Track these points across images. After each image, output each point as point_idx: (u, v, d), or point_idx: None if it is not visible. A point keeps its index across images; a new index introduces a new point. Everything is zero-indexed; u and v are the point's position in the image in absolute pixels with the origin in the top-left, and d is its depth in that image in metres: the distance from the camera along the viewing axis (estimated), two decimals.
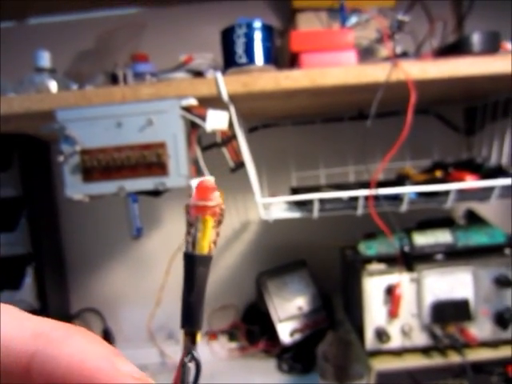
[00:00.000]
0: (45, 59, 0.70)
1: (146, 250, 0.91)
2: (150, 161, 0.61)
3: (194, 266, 0.13)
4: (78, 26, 0.89)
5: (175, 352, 0.82)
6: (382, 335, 0.61)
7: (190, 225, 0.13)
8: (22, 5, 0.85)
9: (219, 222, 0.14)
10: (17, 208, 0.81)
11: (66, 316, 0.90)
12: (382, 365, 0.61)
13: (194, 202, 0.13)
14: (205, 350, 0.83)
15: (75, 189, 0.63)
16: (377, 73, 0.58)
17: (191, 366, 0.13)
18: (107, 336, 0.87)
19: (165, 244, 0.87)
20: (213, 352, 0.82)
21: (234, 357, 0.80)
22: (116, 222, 0.85)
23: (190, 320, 0.13)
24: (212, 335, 0.86)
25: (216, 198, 0.14)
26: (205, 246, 0.13)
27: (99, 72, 0.75)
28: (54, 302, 0.85)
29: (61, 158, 0.62)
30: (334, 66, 0.59)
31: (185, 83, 0.61)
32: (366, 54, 0.67)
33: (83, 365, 0.13)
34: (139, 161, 0.61)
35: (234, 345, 0.83)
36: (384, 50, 0.67)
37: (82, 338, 0.14)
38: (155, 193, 0.65)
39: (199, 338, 0.13)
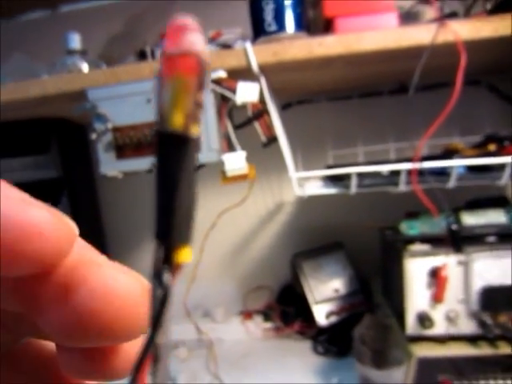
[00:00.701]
0: (75, 41, 0.70)
1: None
2: None
3: (161, 147, 0.08)
4: (109, 9, 0.89)
5: (212, 329, 0.82)
6: (424, 320, 0.57)
7: (159, 88, 0.08)
8: None
9: (199, 84, 0.08)
10: (58, 188, 0.84)
11: None
12: (423, 351, 0.57)
13: (162, 53, 0.08)
14: (239, 328, 0.83)
15: (109, 166, 0.63)
16: (420, 35, 0.53)
17: (159, 292, 0.09)
18: None
19: (199, 221, 0.86)
20: (247, 331, 0.82)
21: (269, 337, 0.79)
22: (152, 199, 0.86)
23: (162, 228, 0.09)
24: (247, 315, 0.85)
25: (192, 44, 0.08)
26: (176, 120, 0.08)
27: (130, 53, 0.75)
28: None
29: (93, 136, 0.62)
30: (372, 30, 0.54)
31: (213, 56, 0.58)
32: (409, 17, 0.62)
33: None
34: None
35: (268, 325, 0.82)
36: (429, 12, 0.61)
37: None
38: None
39: (180, 256, 0.09)
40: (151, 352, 0.09)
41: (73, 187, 0.85)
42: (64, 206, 0.83)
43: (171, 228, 0.08)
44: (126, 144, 0.62)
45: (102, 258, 0.12)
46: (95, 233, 0.93)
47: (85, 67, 0.70)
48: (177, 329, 0.82)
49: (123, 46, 0.86)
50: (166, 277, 0.09)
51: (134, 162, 0.61)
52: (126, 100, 0.61)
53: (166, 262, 0.09)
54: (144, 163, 0.62)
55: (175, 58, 0.08)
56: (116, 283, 0.10)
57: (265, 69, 0.57)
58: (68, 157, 0.84)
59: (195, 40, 0.08)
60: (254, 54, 0.55)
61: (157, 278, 0.09)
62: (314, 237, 0.85)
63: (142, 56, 0.67)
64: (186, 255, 0.09)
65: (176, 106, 0.08)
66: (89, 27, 0.83)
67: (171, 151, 0.08)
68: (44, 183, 0.83)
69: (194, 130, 0.08)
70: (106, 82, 0.62)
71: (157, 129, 0.08)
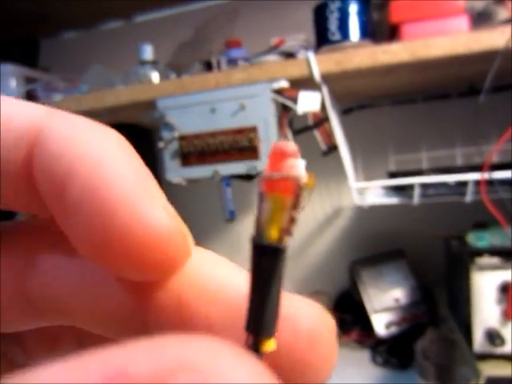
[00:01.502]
0: (147, 52, 0.75)
1: (240, 233, 0.93)
2: (242, 145, 0.62)
3: (257, 256, 0.09)
4: (178, 18, 0.94)
5: None
6: (494, 338, 0.55)
7: (259, 203, 0.09)
8: (130, 4, 0.93)
9: (295, 204, 0.09)
10: None
11: None
12: (493, 370, 0.55)
13: (263, 174, 0.09)
14: None
15: (175, 173, 0.67)
16: (493, 38, 0.50)
17: None
18: None
19: None
20: None
21: None
22: (213, 205, 0.89)
23: (253, 323, 0.10)
24: None
25: (292, 169, 0.09)
26: (272, 233, 0.09)
27: (196, 61, 0.78)
28: None
29: (161, 144, 0.66)
30: (441, 35, 0.52)
31: (275, 66, 0.60)
32: (480, 19, 0.59)
33: (99, 175, 0.08)
34: (232, 145, 0.62)
35: None
36: (504, 12, 0.57)
37: (109, 139, 0.09)
38: (248, 177, 0.66)
39: (266, 346, 0.10)
40: None
41: None
42: None
43: (261, 325, 0.10)
44: (191, 152, 0.65)
45: None
46: None
47: (155, 77, 0.74)
48: None
49: (190, 54, 0.90)
50: None
51: (198, 169, 0.64)
52: (191, 109, 0.64)
53: (254, 350, 0.10)
54: (206, 171, 0.64)
55: (276, 181, 0.09)
56: (306, 318, 0.10)
57: (327, 78, 0.57)
58: None
59: (295, 165, 0.09)
60: (317, 64, 0.56)
61: None
62: (374, 244, 0.83)
63: (207, 66, 0.70)
64: (270, 345, 0.10)
65: (273, 222, 0.09)
66: (159, 36, 0.89)
67: (266, 261, 0.09)
68: None
69: (286, 242, 0.09)
70: (173, 92, 0.65)
71: (254, 240, 0.09)
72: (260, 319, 0.10)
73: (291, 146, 0.09)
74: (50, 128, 0.09)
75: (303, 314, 0.10)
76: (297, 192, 0.09)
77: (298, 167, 0.09)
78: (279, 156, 0.09)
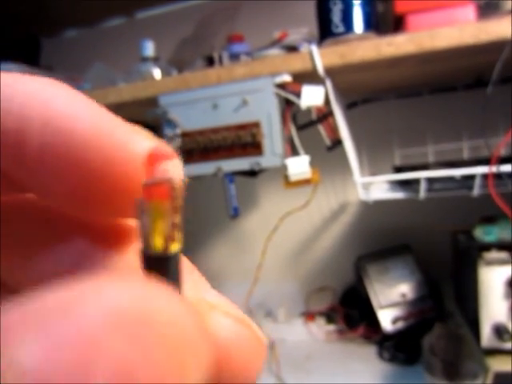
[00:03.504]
0: (149, 49, 0.74)
1: (244, 230, 0.93)
2: (245, 141, 0.61)
3: (147, 267, 0.09)
4: (180, 14, 0.93)
5: (274, 329, 0.84)
6: (502, 333, 0.54)
7: (140, 214, 0.09)
8: (131, 1, 0.92)
9: (175, 208, 0.09)
10: None
11: None
12: (501, 365, 0.54)
13: (142, 183, 0.09)
14: (302, 330, 0.83)
15: None
16: (501, 28, 0.49)
17: None
18: None
19: (262, 224, 0.88)
20: (310, 333, 0.82)
21: (332, 339, 0.78)
22: (217, 202, 0.89)
23: None
24: (309, 316, 0.85)
25: (164, 172, 0.09)
26: (157, 242, 0.09)
27: (198, 57, 0.78)
28: None
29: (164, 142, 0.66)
30: (447, 25, 0.51)
31: (278, 60, 0.59)
32: (488, 8, 0.57)
33: (57, 114, 0.08)
34: (235, 141, 0.62)
35: (331, 327, 0.81)
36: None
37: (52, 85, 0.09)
38: (251, 173, 0.65)
39: None
40: None
41: None
42: None
43: None
44: (193, 149, 0.64)
45: (212, 296, 0.11)
46: None
47: (157, 73, 0.73)
48: None
49: (192, 50, 0.89)
50: None
51: (200, 166, 0.64)
52: (194, 105, 0.64)
53: None
54: (209, 167, 0.64)
55: (150, 187, 0.09)
56: (231, 337, 0.09)
57: (331, 71, 0.56)
58: None
59: (168, 168, 0.09)
60: (320, 57, 0.55)
61: None
62: (380, 239, 0.83)
63: (209, 61, 0.70)
64: None
65: (154, 230, 0.09)
66: (160, 32, 0.88)
67: (156, 271, 0.09)
68: None
69: (174, 248, 0.09)
70: (176, 88, 0.65)
71: (142, 252, 0.09)
72: None
73: (163, 148, 0.09)
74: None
75: (219, 327, 0.09)
76: (172, 195, 0.09)
77: (171, 170, 0.09)
78: (153, 161, 0.09)
